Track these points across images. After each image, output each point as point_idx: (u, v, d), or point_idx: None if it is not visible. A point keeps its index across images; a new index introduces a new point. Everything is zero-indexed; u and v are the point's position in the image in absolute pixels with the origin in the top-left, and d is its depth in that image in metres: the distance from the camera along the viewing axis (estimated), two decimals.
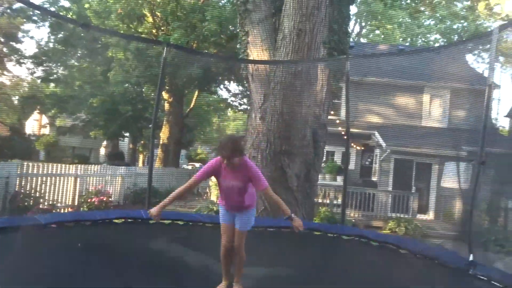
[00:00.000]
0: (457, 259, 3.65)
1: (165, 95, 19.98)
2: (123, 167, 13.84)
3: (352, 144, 15.60)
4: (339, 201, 13.31)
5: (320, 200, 13.02)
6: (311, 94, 6.70)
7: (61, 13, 19.15)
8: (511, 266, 7.05)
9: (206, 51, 17.07)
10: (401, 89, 15.56)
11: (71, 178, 10.14)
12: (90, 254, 3.01)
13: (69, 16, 18.76)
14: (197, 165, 31.27)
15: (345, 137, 5.72)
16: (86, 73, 21.08)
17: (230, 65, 16.22)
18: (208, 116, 33.29)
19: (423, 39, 25.09)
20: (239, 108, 24.11)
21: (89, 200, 10.05)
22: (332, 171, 15.04)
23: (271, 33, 7.03)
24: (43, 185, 9.05)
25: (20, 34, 22.81)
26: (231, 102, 24.58)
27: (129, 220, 4.38)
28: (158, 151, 21.18)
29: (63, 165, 10.31)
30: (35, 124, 33.47)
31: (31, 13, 20.69)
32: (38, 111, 30.92)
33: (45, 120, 32.41)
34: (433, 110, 15.74)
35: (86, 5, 17.77)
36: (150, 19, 17.80)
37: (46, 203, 8.91)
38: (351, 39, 23.63)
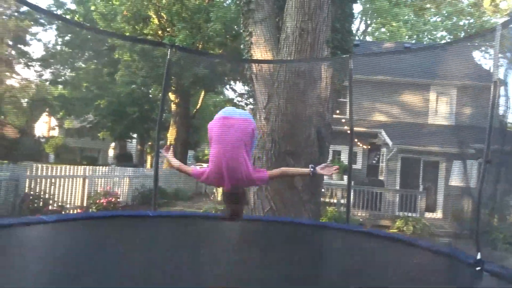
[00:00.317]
0: (464, 257, 3.63)
1: (171, 96, 20.10)
2: (130, 168, 13.94)
3: (358, 143, 15.57)
4: (345, 200, 13.32)
5: (327, 200, 13.03)
6: (315, 93, 6.70)
7: (67, 16, 19.36)
8: None
9: (211, 51, 17.16)
10: (407, 87, 15.51)
11: (80, 180, 10.26)
12: (95, 250, 3.07)
13: (75, 18, 18.94)
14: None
15: (350, 136, 5.71)
16: (92, 75, 21.30)
17: (235, 65, 16.29)
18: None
19: (429, 36, 24.92)
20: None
21: (97, 201, 10.18)
22: (340, 171, 15.01)
23: (274, 33, 7.04)
24: (52, 187, 9.17)
25: (28, 37, 23.11)
26: (237, 102, 24.66)
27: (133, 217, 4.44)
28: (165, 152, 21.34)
29: (72, 166, 10.43)
30: (44, 126, 33.84)
31: (38, 16, 20.94)
32: (46, 113, 31.30)
33: (53, 122, 32.78)
34: (440, 108, 15.65)
35: (92, 7, 17.95)
36: (156, 21, 17.92)
37: (55, 205, 9.04)
38: (356, 38, 23.61)
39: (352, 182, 14.82)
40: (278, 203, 6.80)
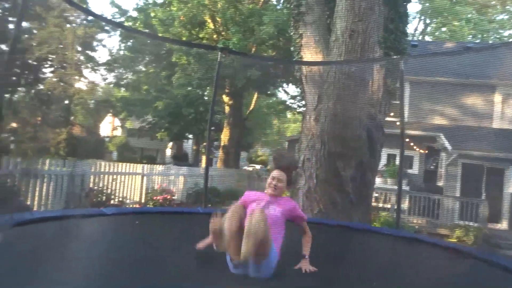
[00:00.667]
0: None
1: (225, 97, 20.57)
2: (185, 167, 14.45)
3: (415, 147, 14.98)
4: (402, 206, 12.86)
5: (381, 205, 12.67)
6: (366, 95, 6.60)
7: (129, 23, 20.48)
8: None
9: (264, 53, 17.36)
10: (470, 88, 14.70)
11: (138, 177, 10.83)
12: (147, 241, 3.28)
13: (136, 25, 19.99)
14: (258, 167, 31.75)
15: (401, 137, 5.55)
16: (151, 78, 22.35)
17: (287, 67, 16.35)
18: (268, 118, 33.71)
19: (495, 35, 23.36)
20: (298, 110, 24.12)
21: (154, 198, 10.68)
22: (393, 175, 14.52)
23: (324, 35, 7.03)
24: (114, 183, 9.77)
25: (94, 43, 24.73)
26: (290, 104, 24.68)
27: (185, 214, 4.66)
28: (219, 153, 21.85)
29: (131, 164, 11.03)
30: (108, 126, 35.99)
31: (103, 23, 22.35)
32: (110, 114, 33.28)
33: (116, 122, 34.77)
34: (507, 111, 14.64)
35: (152, 14, 18.87)
36: (211, 25, 18.44)
37: (116, 200, 9.63)
38: (414, 38, 22.71)
39: (408, 187, 14.36)
40: (328, 205, 6.76)
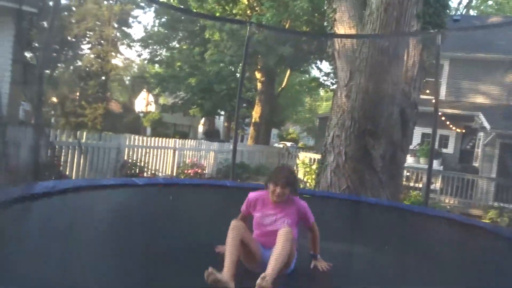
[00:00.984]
0: None
1: (257, 74, 20.51)
2: (216, 143, 14.69)
3: (452, 127, 14.50)
4: (434, 186, 12.60)
5: (412, 184, 12.46)
6: (400, 71, 6.42)
7: None
8: None
9: (298, 29, 17.07)
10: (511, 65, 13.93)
11: (171, 151, 11.13)
12: (169, 211, 3.42)
13: (170, 1, 20.06)
14: (288, 144, 31.69)
15: (440, 117, 5.41)
16: (185, 54, 22.53)
17: (321, 43, 16.03)
18: (300, 95, 33.38)
19: None
20: (331, 88, 23.73)
21: (185, 172, 10.99)
22: (427, 155, 14.18)
23: (359, 9, 6.84)
24: (147, 156, 10.11)
25: (130, 19, 25.09)
26: (323, 81, 24.29)
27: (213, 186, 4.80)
28: (250, 129, 21.97)
29: (164, 139, 11.34)
30: (143, 102, 36.79)
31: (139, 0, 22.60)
32: (144, 90, 33.99)
33: (150, 98, 35.48)
34: None
35: None
36: (245, 0, 18.26)
37: (149, 172, 9.98)
38: (458, 12, 21.60)
39: (442, 167, 13.99)
40: (356, 182, 6.74)
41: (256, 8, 18.03)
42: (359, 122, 6.52)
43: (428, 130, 14.03)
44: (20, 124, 10.51)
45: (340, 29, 6.98)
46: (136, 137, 10.38)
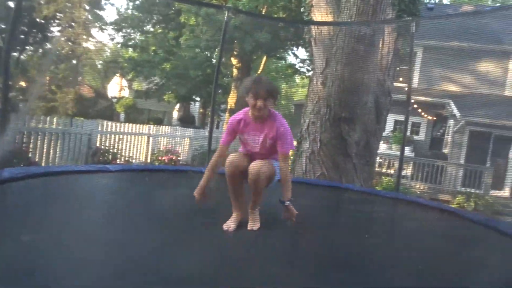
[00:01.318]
0: None
1: (233, 60, 20.31)
2: (191, 129, 14.55)
3: (423, 114, 14.85)
4: (406, 172, 12.92)
5: (384, 170, 12.75)
6: (375, 59, 6.49)
7: None
8: None
9: (275, 15, 16.95)
10: (484, 54, 14.32)
11: (145, 137, 10.96)
12: (147, 196, 3.37)
13: None
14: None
15: (411, 104, 5.51)
16: (159, 39, 22.04)
17: (297, 30, 15.99)
18: (276, 82, 33.32)
19: None
20: (307, 75, 23.77)
21: (160, 158, 10.86)
22: (399, 142, 14.51)
23: None
24: (120, 142, 9.91)
25: (102, 2, 24.26)
26: (299, 68, 24.30)
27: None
28: (226, 116, 21.84)
29: (137, 125, 11.13)
30: (116, 87, 35.94)
31: None
32: (118, 75, 33.15)
33: (124, 83, 34.68)
34: None
35: None
36: None
37: (122, 159, 9.80)
38: (431, 1, 21.91)
39: (413, 154, 14.35)
40: (330, 169, 6.83)
41: None
42: (335, 109, 6.58)
43: (401, 117, 14.30)
44: None
45: (317, 15, 6.96)
46: (109, 123, 10.15)
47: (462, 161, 13.45)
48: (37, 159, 7.47)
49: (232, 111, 21.05)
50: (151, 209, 2.99)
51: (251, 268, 2.04)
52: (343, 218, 3.63)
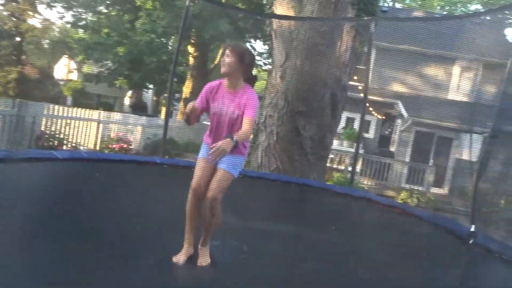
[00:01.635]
0: (458, 228, 3.70)
1: (190, 48, 19.91)
2: (144, 117, 14.12)
3: (373, 112, 15.40)
4: (351, 165, 13.37)
5: (335, 166, 13.11)
6: (334, 56, 6.60)
7: None
8: None
9: (235, 5, 16.76)
10: (431, 59, 15.04)
11: (94, 124, 10.47)
12: (96, 187, 3.20)
13: None
14: None
15: (364, 103, 5.66)
16: (113, 21, 21.09)
17: (257, 22, 15.94)
18: None
19: (462, 9, 23.85)
20: (263, 68, 23.83)
21: (110, 146, 10.43)
22: (350, 138, 14.98)
23: None
24: (67, 128, 9.40)
25: None
26: (256, 61, 24.28)
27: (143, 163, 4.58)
28: (180, 105, 21.41)
29: (87, 110, 10.62)
30: (64, 69, 34.07)
31: None
32: (66, 56, 31.43)
33: (73, 65, 32.95)
34: (463, 84, 15.22)
35: None
36: None
37: (69, 145, 9.31)
38: (385, 4, 22.70)
39: (363, 150, 14.87)
40: (285, 162, 6.88)
41: None
42: (292, 103, 6.63)
43: (352, 115, 14.80)
44: None
45: (279, 9, 6.95)
46: (56, 106, 9.58)
47: (407, 159, 14.13)
48: None
49: (187, 100, 20.68)
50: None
51: None
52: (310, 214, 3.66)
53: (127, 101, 35.09)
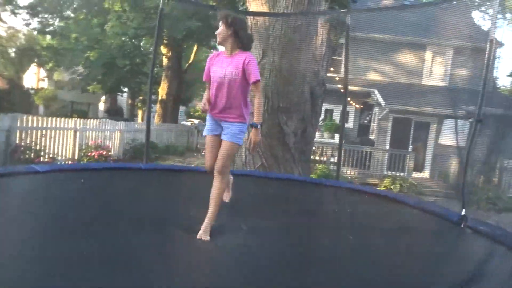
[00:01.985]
0: (449, 213, 3.77)
1: (163, 49, 19.64)
2: (122, 122, 13.86)
3: (351, 102, 15.56)
4: (337, 159, 13.50)
5: (317, 158, 13.20)
6: (310, 50, 6.61)
7: None
8: (502, 223, 7.30)
9: (205, 2, 16.60)
10: (404, 46, 15.29)
11: (71, 132, 10.20)
12: (85, 200, 3.11)
13: None
14: (196, 121, 31.28)
15: (343, 94, 5.70)
16: (82, 25, 20.58)
17: None
18: None
19: None
20: None
21: (89, 154, 10.19)
22: (330, 129, 15.12)
23: None
24: (43, 139, 9.13)
25: None
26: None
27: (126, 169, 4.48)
28: (157, 107, 21.13)
29: (63, 119, 10.33)
30: (33, 77, 33.10)
31: None
32: (35, 64, 30.51)
33: (42, 73, 32.05)
34: (435, 69, 15.55)
35: None
36: None
37: (46, 156, 9.04)
38: None
39: (343, 141, 15.02)
40: (270, 159, 6.88)
41: None
42: (272, 99, 6.62)
43: (331, 107, 14.92)
44: None
45: (253, 5, 6.90)
46: (30, 117, 9.27)
47: (387, 147, 14.36)
48: None
49: (164, 102, 20.44)
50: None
51: None
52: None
53: (101, 106, 34.41)
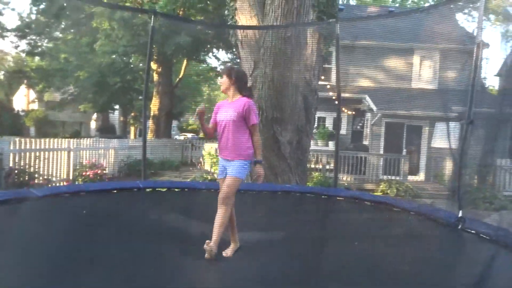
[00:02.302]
0: (446, 215, 3.79)
1: (153, 65, 19.67)
2: (115, 140, 13.80)
3: (344, 109, 15.67)
4: (332, 166, 13.53)
5: (313, 166, 13.21)
6: (302, 60, 6.68)
7: None
8: (498, 222, 7.35)
9: (193, 18, 16.71)
10: (392, 52, 15.48)
11: (65, 152, 10.14)
12: (89, 223, 3.09)
13: None
14: (189, 135, 31.24)
15: (336, 102, 5.75)
16: (71, 45, 20.58)
17: (218, 33, 15.95)
18: (198, 85, 32.99)
19: (413, 0, 24.75)
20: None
21: (83, 174, 10.13)
22: (324, 137, 15.18)
23: None
24: (37, 160, 9.05)
25: (0, 6, 22.00)
26: (220, 71, 24.28)
27: (125, 189, 4.46)
28: (150, 123, 21.08)
29: (56, 139, 10.27)
30: (23, 99, 32.92)
31: None
32: (25, 86, 30.40)
33: (33, 95, 31.90)
34: (423, 72, 15.76)
35: None
36: None
37: (41, 178, 8.96)
38: (340, 1, 23.25)
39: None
40: (266, 170, 6.88)
41: None
42: (267, 110, 6.65)
43: (323, 114, 15.01)
44: None
45: (242, 18, 6.97)
46: (23, 139, 9.20)
47: (381, 151, 14.43)
48: None
49: (156, 117, 20.41)
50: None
51: None
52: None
53: (93, 124, 34.27)
